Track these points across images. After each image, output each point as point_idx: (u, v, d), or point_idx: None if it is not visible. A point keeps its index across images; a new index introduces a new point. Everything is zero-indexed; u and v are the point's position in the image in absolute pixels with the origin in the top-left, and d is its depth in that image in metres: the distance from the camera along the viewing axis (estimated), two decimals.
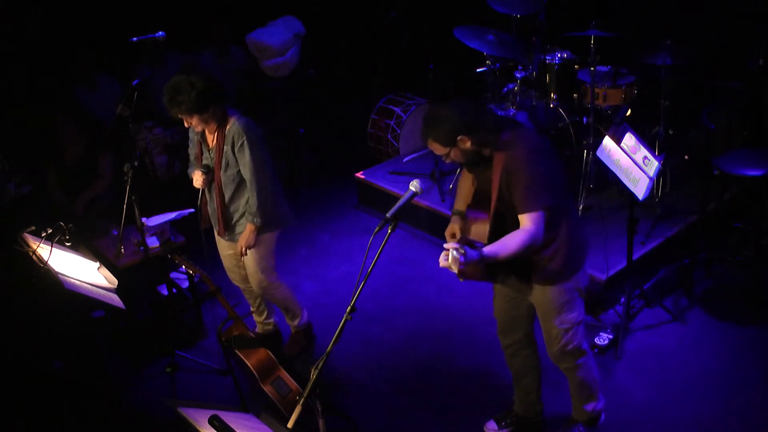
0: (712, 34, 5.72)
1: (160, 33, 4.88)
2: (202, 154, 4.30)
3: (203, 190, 4.33)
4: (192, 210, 5.03)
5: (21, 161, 6.26)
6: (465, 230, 3.53)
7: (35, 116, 6.49)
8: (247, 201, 4.27)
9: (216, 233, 4.50)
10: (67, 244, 4.05)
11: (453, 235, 3.54)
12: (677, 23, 5.64)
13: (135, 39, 4.84)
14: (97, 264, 4.09)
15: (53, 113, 6.12)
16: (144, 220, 4.63)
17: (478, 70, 6.05)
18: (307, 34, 7.26)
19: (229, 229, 4.40)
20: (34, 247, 3.85)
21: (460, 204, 3.63)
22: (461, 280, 3.21)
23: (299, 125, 7.03)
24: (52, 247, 3.84)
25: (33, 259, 3.84)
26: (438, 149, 3.30)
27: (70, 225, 3.98)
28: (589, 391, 3.90)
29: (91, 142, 6.03)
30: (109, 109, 6.20)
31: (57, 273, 3.79)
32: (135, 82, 4.61)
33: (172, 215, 4.94)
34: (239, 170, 4.20)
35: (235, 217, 4.36)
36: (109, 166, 6.07)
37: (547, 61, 5.71)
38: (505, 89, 5.90)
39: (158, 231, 4.97)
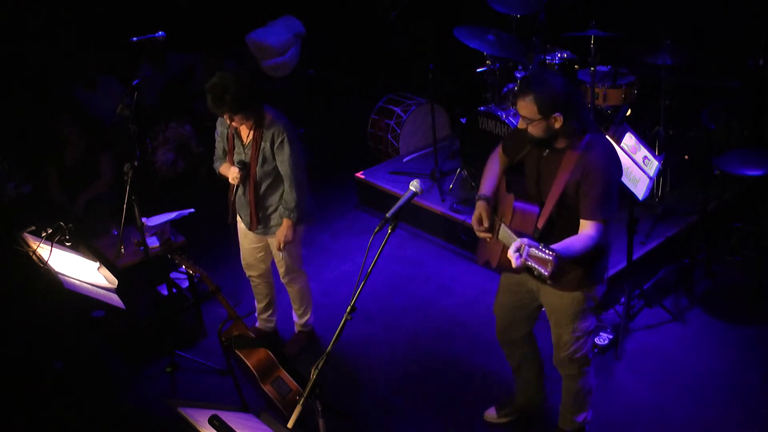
0: (712, 34, 5.71)
1: (160, 33, 4.88)
2: (234, 149, 4.30)
3: (235, 186, 4.34)
4: (192, 210, 5.04)
5: (21, 161, 6.27)
6: (503, 219, 3.38)
7: (35, 116, 6.50)
8: (281, 196, 4.30)
9: (247, 227, 4.48)
10: (67, 244, 4.04)
11: (480, 222, 3.44)
12: (677, 23, 5.63)
13: (135, 39, 4.85)
14: (97, 264, 4.09)
15: (53, 113, 6.12)
16: (144, 220, 4.63)
17: (478, 70, 6.05)
18: (307, 34, 7.26)
19: (261, 223, 4.41)
20: (34, 247, 3.85)
21: (487, 188, 3.53)
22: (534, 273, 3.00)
23: (299, 125, 7.01)
24: (52, 247, 3.84)
25: (33, 259, 3.84)
26: (529, 111, 3.19)
27: (70, 225, 3.98)
28: (583, 401, 3.88)
29: (91, 142, 6.03)
30: (109, 109, 6.20)
31: (57, 273, 3.79)
32: (135, 82, 4.61)
33: (172, 215, 4.94)
34: (275, 166, 4.22)
35: (269, 211, 4.37)
36: (109, 166, 6.07)
37: (547, 61, 5.70)
38: (505, 89, 5.88)
39: (158, 231, 4.97)
